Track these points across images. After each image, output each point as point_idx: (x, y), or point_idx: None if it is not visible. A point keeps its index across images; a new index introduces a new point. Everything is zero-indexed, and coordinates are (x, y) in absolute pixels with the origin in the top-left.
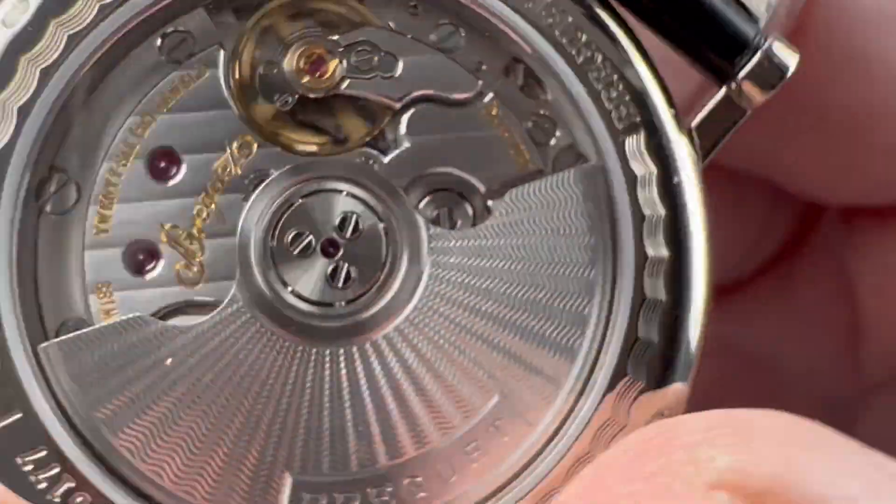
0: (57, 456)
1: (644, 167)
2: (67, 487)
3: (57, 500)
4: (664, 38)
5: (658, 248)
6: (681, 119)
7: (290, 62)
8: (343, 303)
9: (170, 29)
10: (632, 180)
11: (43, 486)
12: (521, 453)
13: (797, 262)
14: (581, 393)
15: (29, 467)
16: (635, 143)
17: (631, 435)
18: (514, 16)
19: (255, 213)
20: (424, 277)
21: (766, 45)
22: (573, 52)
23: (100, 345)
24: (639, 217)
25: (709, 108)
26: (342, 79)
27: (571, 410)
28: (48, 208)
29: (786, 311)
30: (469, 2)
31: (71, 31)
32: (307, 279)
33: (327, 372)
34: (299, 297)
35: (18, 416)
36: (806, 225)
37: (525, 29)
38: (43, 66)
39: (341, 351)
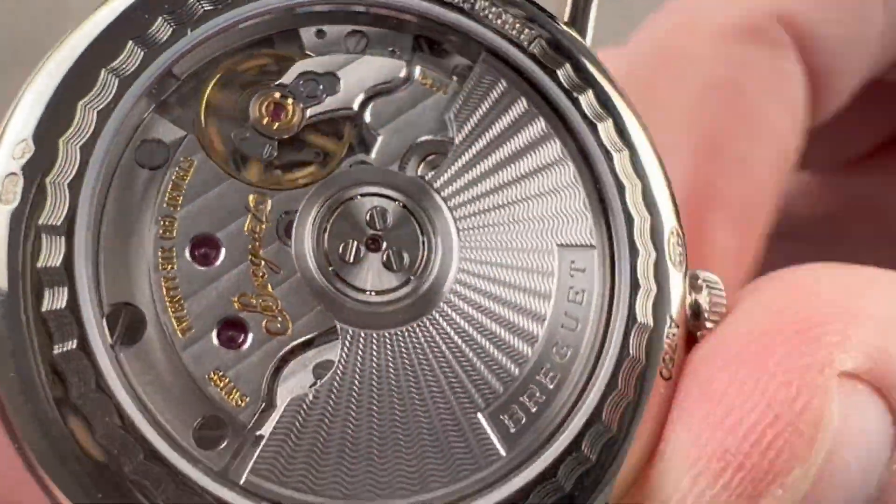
0: None
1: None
2: None
3: None
4: None
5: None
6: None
7: (254, 119)
8: (412, 277)
9: (138, 142)
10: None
11: None
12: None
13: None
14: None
15: None
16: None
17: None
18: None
19: (301, 248)
20: (452, 229)
21: None
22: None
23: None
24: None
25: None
26: (302, 111)
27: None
28: (125, 343)
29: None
30: (359, 6)
31: (66, 181)
32: (374, 276)
33: (424, 342)
34: (378, 292)
35: None
36: None
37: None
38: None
39: (426, 320)
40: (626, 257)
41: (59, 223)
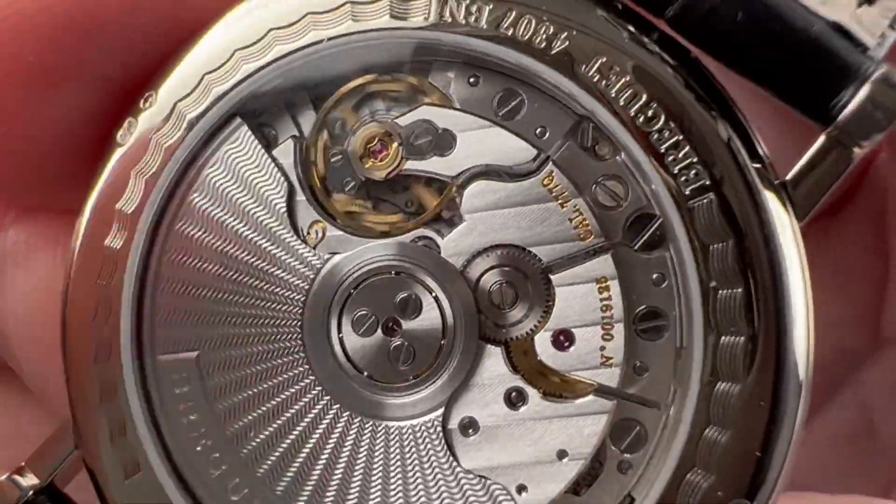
0: None
1: (718, 236)
2: None
3: None
4: (751, 78)
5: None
6: (770, 174)
7: (354, 149)
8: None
9: (256, 123)
10: (703, 252)
11: None
12: None
13: (840, 214)
14: None
15: None
16: (706, 209)
17: None
18: (568, 82)
19: (324, 290)
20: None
21: (877, 76)
22: (632, 114)
23: None
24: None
25: (807, 157)
26: (402, 160)
27: None
28: None
29: (825, 261)
30: (528, 68)
31: (168, 143)
32: (371, 357)
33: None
34: (355, 366)
35: None
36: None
37: (578, 94)
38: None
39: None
40: None
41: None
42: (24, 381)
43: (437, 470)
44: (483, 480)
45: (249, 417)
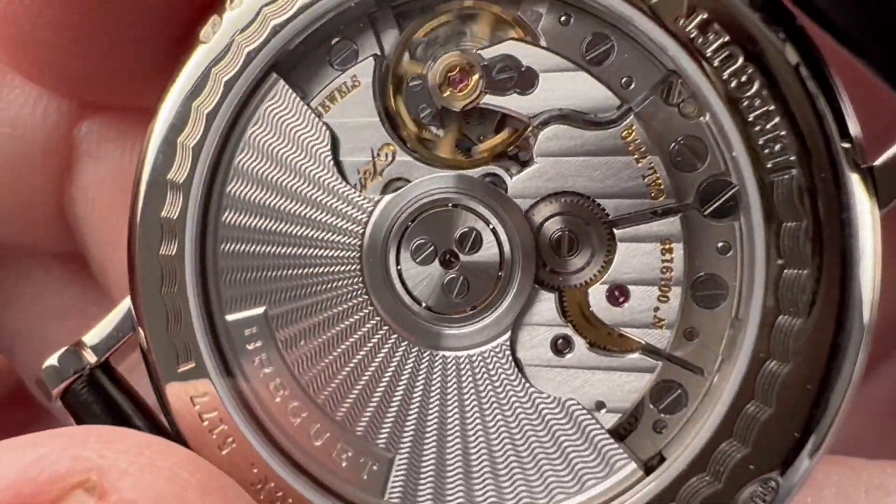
0: None
1: (794, 214)
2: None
3: None
4: (862, 59)
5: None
6: (858, 157)
7: (433, 76)
8: (455, 314)
9: (336, 39)
10: (776, 228)
11: None
12: None
13: None
14: None
15: None
16: (786, 185)
17: None
18: (663, 34)
19: (383, 217)
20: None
21: None
22: (725, 76)
23: None
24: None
25: None
26: (481, 93)
27: None
28: None
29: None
30: (624, 14)
31: (250, 48)
32: (427, 287)
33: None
34: (414, 297)
35: None
36: None
37: (671, 47)
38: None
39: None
40: None
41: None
42: (91, 267)
43: (511, 394)
44: (558, 399)
45: (322, 364)
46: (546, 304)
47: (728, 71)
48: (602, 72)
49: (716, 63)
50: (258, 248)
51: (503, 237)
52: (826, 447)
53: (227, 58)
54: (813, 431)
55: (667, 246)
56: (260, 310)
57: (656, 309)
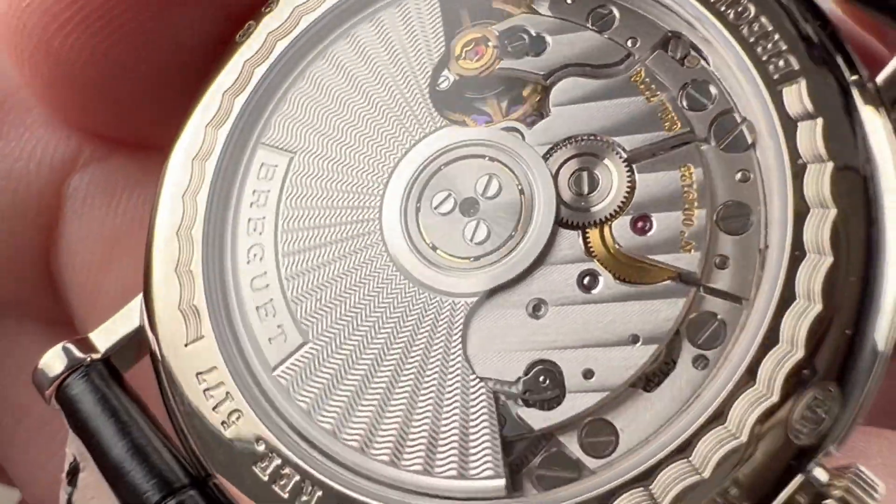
0: None
1: (806, 112)
2: None
3: None
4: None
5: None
6: (859, 70)
7: (453, 49)
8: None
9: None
10: (791, 132)
11: None
12: None
13: None
14: None
15: None
16: (795, 93)
17: None
18: None
19: (405, 171)
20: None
21: None
22: (723, 9)
23: None
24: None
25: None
26: (496, 60)
27: None
28: None
29: None
30: None
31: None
32: (447, 235)
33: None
34: (433, 246)
35: None
36: None
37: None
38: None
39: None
40: None
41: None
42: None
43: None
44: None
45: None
46: (569, 241)
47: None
48: (607, 34)
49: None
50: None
51: (522, 181)
52: (885, 350)
53: (261, 51)
54: (865, 328)
55: (686, 171)
56: None
57: (682, 233)
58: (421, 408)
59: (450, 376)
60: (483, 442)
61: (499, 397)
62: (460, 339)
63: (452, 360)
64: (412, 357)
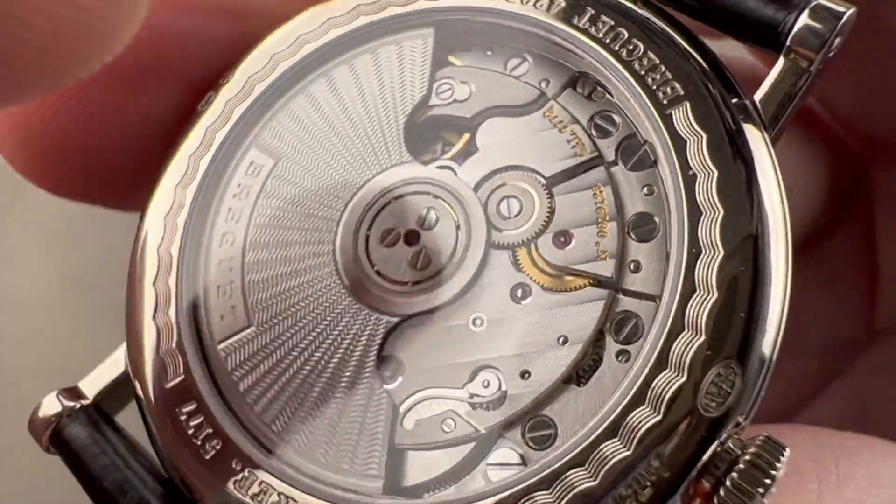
0: None
1: (692, 135)
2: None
3: None
4: (712, 25)
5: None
6: (738, 92)
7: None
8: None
9: None
10: (681, 148)
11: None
12: None
13: (835, 221)
14: None
15: None
16: (682, 114)
17: None
18: (575, 37)
19: (353, 214)
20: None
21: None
22: (618, 50)
23: None
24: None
25: (770, 79)
26: (430, 107)
27: None
28: None
29: (815, 274)
30: (537, 32)
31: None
32: (391, 260)
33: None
34: (382, 275)
35: None
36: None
37: (584, 46)
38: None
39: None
40: None
41: None
42: None
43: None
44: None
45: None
46: (500, 260)
47: (618, 43)
48: (522, 78)
49: (607, 41)
50: None
51: (459, 213)
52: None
53: (220, 118)
54: (758, 310)
55: (598, 190)
56: None
57: (597, 244)
58: (327, 405)
59: (360, 383)
60: (374, 445)
61: (398, 408)
62: (376, 354)
63: (365, 369)
64: (332, 361)
